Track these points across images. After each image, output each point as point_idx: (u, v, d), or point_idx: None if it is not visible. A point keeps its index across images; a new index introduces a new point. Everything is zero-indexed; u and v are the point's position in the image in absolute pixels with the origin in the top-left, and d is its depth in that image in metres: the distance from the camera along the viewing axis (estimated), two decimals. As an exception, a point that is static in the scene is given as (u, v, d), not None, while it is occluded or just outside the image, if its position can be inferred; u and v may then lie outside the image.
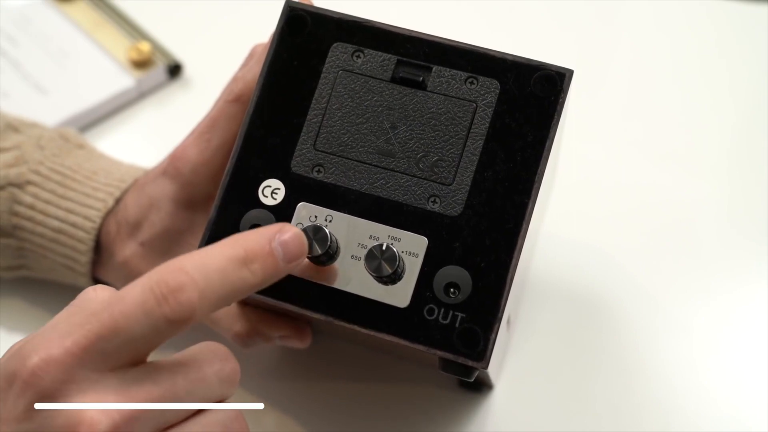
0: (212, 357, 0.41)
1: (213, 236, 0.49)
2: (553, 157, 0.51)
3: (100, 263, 0.60)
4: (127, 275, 0.58)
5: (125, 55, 0.78)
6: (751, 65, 0.78)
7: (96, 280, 0.61)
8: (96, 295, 0.41)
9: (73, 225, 0.59)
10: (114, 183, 0.60)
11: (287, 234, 0.42)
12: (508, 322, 0.55)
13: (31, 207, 0.59)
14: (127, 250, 0.58)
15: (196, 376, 0.40)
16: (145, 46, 0.78)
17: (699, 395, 0.62)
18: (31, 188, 0.60)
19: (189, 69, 0.79)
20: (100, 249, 0.59)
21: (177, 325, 0.39)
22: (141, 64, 0.77)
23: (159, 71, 0.78)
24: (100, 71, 0.77)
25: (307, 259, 0.47)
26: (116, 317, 0.38)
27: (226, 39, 0.80)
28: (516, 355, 0.63)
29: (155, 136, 0.76)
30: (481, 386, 0.61)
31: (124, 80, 0.77)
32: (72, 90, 0.76)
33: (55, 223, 0.59)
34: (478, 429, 0.60)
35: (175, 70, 0.79)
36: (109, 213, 0.59)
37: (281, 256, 0.42)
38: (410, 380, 0.61)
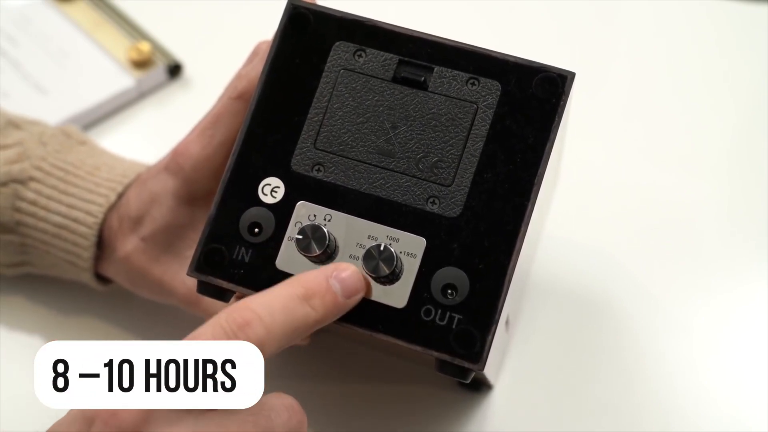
0: (281, 408, 0.43)
1: (213, 232, 0.49)
2: (555, 160, 0.51)
3: (103, 258, 0.60)
4: (128, 270, 0.58)
5: (125, 55, 0.78)
6: (751, 65, 0.78)
7: (98, 276, 0.61)
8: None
9: (76, 220, 0.59)
10: (116, 178, 0.60)
11: (345, 272, 0.45)
12: (507, 322, 0.55)
13: (34, 203, 0.59)
14: (128, 244, 0.58)
15: (265, 424, 0.42)
16: (145, 46, 0.78)
17: (699, 395, 0.62)
18: (33, 184, 0.60)
19: (189, 69, 0.79)
20: (102, 244, 0.59)
21: None
22: (141, 64, 0.77)
23: (159, 71, 0.78)
24: (100, 71, 0.77)
25: (305, 258, 0.47)
26: None
27: (226, 39, 0.80)
28: (516, 355, 0.63)
29: (155, 136, 0.76)
30: (480, 386, 0.61)
31: (124, 80, 0.77)
32: (72, 90, 0.76)
33: (58, 219, 0.59)
34: (478, 429, 0.60)
35: (175, 70, 0.79)
36: (111, 208, 0.59)
37: (339, 291, 0.45)
38: (410, 380, 0.61)
